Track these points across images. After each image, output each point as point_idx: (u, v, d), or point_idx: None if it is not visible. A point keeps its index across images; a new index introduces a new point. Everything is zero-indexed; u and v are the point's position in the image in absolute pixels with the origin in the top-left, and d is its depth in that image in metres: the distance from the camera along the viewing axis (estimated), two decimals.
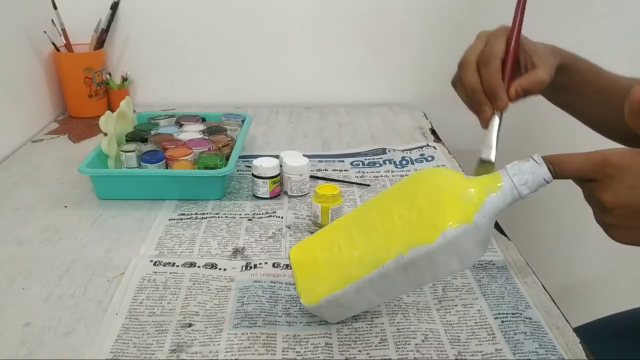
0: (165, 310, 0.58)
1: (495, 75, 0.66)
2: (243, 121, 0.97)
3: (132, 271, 0.64)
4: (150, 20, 1.18)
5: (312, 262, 0.55)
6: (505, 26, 0.69)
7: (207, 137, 0.89)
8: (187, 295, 0.60)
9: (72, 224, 0.74)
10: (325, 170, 0.91)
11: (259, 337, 0.54)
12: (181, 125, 0.95)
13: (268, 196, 0.80)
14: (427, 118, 1.17)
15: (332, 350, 0.53)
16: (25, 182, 0.86)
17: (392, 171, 0.91)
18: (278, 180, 0.80)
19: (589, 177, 0.50)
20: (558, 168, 0.49)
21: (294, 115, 1.18)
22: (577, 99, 0.74)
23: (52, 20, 1.09)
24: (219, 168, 0.79)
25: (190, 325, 0.56)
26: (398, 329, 0.56)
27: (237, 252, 0.68)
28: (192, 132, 0.92)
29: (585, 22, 1.19)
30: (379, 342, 0.54)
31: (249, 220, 0.75)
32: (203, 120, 0.98)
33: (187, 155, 0.82)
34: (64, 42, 1.11)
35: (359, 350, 0.53)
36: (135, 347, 0.53)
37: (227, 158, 0.83)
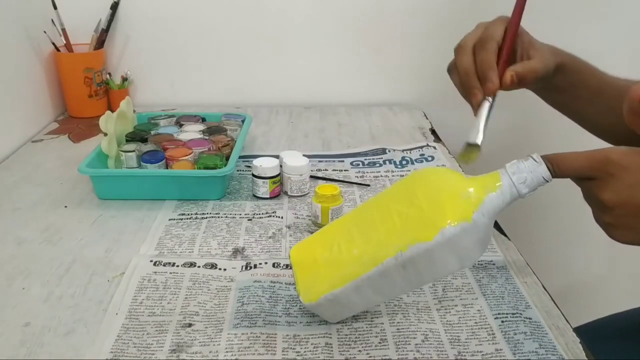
0: (165, 310, 0.58)
1: (489, 56, 0.65)
2: (243, 121, 0.97)
3: (132, 271, 0.64)
4: (150, 20, 1.18)
5: (312, 262, 0.55)
6: (504, 16, 0.68)
7: (207, 137, 0.89)
8: (187, 295, 0.60)
9: (72, 224, 0.74)
10: (325, 170, 0.91)
11: (259, 337, 0.54)
12: (181, 125, 0.95)
13: (268, 196, 0.80)
14: (427, 118, 1.17)
15: (332, 350, 0.53)
16: (25, 182, 0.86)
17: (392, 171, 0.91)
18: (278, 180, 0.80)
19: (588, 176, 0.49)
20: (557, 167, 0.49)
21: (294, 115, 1.18)
22: (573, 100, 0.74)
23: (52, 20, 1.09)
24: (219, 168, 0.79)
25: (190, 325, 0.56)
26: (398, 329, 0.56)
27: (237, 252, 0.68)
28: (192, 132, 0.92)
29: (585, 22, 1.19)
30: (379, 342, 0.54)
31: (249, 220, 0.75)
32: (203, 120, 0.98)
33: (187, 155, 0.82)
34: (64, 42, 1.11)
35: (359, 350, 0.53)
36: (135, 347, 0.53)
37: (227, 158, 0.83)
